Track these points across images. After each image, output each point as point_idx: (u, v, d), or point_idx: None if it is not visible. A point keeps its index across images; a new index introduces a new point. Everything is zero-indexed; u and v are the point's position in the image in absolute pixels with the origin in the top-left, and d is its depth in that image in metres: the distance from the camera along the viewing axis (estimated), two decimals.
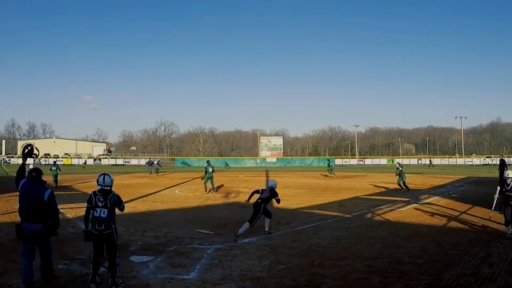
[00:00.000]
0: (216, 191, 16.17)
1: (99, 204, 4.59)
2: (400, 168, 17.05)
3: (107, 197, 4.64)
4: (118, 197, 4.75)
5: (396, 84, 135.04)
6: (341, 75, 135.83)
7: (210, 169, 15.95)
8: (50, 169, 18.07)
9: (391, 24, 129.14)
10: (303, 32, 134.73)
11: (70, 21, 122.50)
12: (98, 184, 4.72)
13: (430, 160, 56.20)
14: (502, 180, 7.53)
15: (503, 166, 16.09)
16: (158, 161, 36.17)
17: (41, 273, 4.65)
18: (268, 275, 5.07)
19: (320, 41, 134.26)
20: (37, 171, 4.73)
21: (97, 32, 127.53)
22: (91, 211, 4.63)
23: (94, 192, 4.71)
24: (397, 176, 16.91)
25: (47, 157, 58.92)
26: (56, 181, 18.19)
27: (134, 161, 61.15)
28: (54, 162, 19.85)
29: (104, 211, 4.57)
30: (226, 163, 52.09)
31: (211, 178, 15.91)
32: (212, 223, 8.91)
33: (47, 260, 4.66)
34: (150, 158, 40.37)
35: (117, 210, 4.77)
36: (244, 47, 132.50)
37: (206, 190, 15.92)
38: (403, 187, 16.55)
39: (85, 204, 4.74)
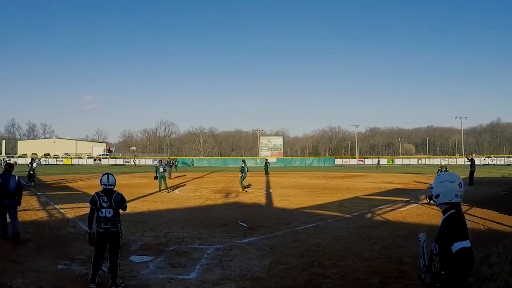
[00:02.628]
0: (169, 191, 15.91)
1: (104, 204, 4.57)
2: (243, 165, 16.78)
3: (111, 197, 4.61)
4: (122, 196, 4.76)
5: (396, 84, 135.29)
6: (341, 75, 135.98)
7: (161, 169, 16.10)
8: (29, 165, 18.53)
9: (391, 24, 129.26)
10: (303, 32, 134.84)
11: (70, 21, 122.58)
12: (101, 184, 4.68)
13: (378, 160, 53.74)
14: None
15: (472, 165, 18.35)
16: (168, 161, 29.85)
17: (12, 231, 6.65)
18: (268, 275, 5.06)
19: (320, 41, 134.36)
20: (9, 165, 7.31)
21: (97, 32, 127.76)
22: (96, 212, 4.60)
23: (97, 193, 4.66)
24: (240, 174, 16.56)
25: (47, 157, 59.04)
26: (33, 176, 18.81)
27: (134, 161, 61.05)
28: (32, 159, 20.37)
29: (109, 211, 4.56)
30: (178, 162, 43.78)
31: (163, 177, 16.08)
32: (212, 223, 8.90)
33: (15, 222, 6.80)
34: (169, 159, 34.28)
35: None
36: (244, 47, 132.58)
37: (160, 190, 15.71)
38: (242, 187, 16.38)
39: (85, 204, 4.76)
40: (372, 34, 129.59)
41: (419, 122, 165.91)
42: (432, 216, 9.78)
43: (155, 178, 16.30)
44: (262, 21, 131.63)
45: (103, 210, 4.54)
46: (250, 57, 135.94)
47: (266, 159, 34.75)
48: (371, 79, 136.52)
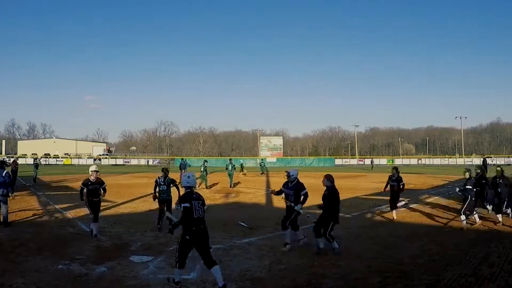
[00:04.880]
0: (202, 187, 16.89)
1: (161, 183, 8.21)
2: (205, 165, 17.65)
3: (165, 179, 8.25)
4: (172, 179, 8.32)
5: (396, 84, 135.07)
6: (341, 75, 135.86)
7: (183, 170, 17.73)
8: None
9: (391, 24, 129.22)
10: (303, 32, 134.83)
11: (70, 20, 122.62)
12: (162, 171, 8.47)
13: (371, 161, 49.38)
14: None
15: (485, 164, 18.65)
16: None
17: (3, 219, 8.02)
18: (268, 275, 5.07)
19: (320, 41, 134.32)
20: (1, 162, 8.61)
21: (97, 32, 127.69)
22: (158, 187, 8.23)
23: (159, 177, 8.35)
24: (202, 174, 17.17)
25: (47, 157, 59.02)
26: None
27: (134, 161, 61.14)
28: (35, 159, 20.63)
29: (164, 187, 8.19)
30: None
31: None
32: (212, 223, 8.88)
33: (5, 210, 8.13)
34: (205, 160, 21.82)
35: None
36: (244, 47, 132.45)
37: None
38: (207, 187, 17.11)
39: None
40: (372, 34, 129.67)
41: (419, 122, 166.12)
42: (432, 216, 9.79)
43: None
44: (262, 21, 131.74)
45: (161, 186, 8.19)
46: (250, 57, 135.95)
47: (241, 162, 36.31)
48: (371, 79, 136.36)
